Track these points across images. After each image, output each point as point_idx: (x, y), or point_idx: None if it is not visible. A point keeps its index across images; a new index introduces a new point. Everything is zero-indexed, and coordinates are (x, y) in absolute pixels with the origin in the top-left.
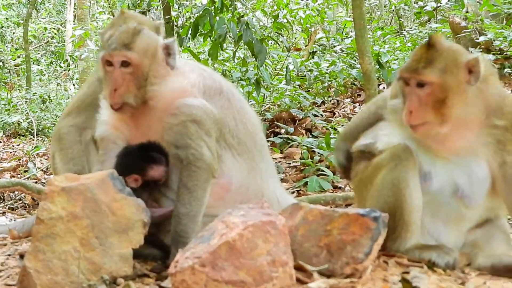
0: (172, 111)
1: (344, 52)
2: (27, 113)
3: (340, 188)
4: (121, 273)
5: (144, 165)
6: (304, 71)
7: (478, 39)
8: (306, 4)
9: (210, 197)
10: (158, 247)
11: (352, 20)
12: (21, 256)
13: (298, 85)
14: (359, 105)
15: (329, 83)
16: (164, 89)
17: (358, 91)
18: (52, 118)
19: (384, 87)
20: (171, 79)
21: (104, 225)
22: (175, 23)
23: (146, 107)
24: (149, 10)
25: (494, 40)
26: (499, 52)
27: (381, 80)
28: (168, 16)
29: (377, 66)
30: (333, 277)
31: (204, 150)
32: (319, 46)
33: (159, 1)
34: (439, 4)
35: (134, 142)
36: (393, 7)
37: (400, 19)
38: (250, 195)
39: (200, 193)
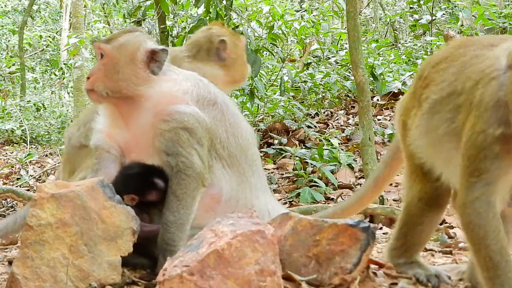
0: (163, 118)
1: (338, 64)
2: (21, 120)
3: (332, 199)
4: (110, 280)
5: (144, 189)
6: (298, 82)
7: None
8: (301, 16)
9: (200, 208)
10: (147, 255)
11: (347, 32)
12: (10, 263)
13: (292, 96)
14: (352, 116)
15: (323, 94)
16: (152, 92)
17: (352, 103)
18: (46, 126)
19: (378, 99)
20: (160, 84)
21: (93, 233)
22: (170, 33)
23: (138, 112)
24: (144, 20)
25: None
26: None
27: (375, 92)
28: (163, 26)
29: (371, 78)
30: (321, 287)
31: (195, 159)
32: (313, 57)
33: (154, 11)
34: (434, 18)
35: (127, 150)
36: (388, 20)
37: (395, 31)
38: (240, 208)
39: (189, 201)
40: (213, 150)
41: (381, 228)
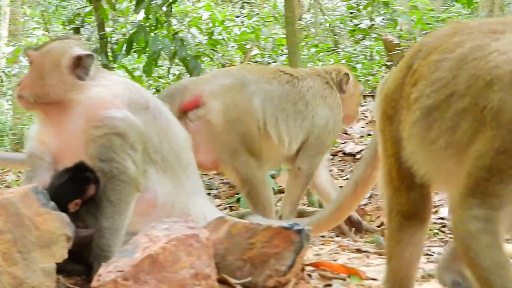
0: (95, 123)
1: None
2: None
3: None
4: (44, 287)
5: (84, 187)
6: None
7: None
8: (242, 21)
9: (135, 213)
10: (82, 262)
11: (286, 37)
12: None
13: None
14: None
15: None
16: (81, 97)
17: None
18: None
19: None
20: (90, 89)
21: (27, 240)
22: (109, 40)
23: (68, 118)
24: (83, 27)
25: None
26: None
27: None
28: (103, 33)
29: None
30: None
31: (128, 164)
32: (254, 63)
33: (93, 18)
34: (373, 23)
35: (60, 156)
36: (328, 25)
37: (335, 36)
38: (176, 212)
39: (124, 207)
40: (146, 154)
41: None
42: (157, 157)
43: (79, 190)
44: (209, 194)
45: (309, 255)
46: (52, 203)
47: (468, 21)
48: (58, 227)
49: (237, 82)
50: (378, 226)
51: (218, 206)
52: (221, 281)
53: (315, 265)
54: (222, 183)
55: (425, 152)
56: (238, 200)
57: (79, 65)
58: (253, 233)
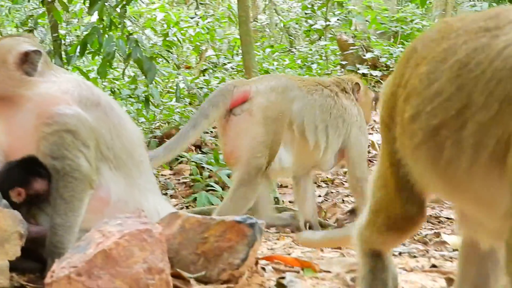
0: (45, 121)
1: (234, 70)
2: None
3: None
4: None
5: (29, 178)
6: (194, 89)
7: (365, 55)
8: (196, 22)
9: (89, 211)
10: (36, 259)
11: (239, 37)
12: None
13: (189, 102)
14: None
15: None
16: (30, 94)
17: None
18: None
19: None
20: (39, 85)
21: None
22: (63, 42)
23: (18, 115)
24: (36, 29)
25: (381, 57)
26: (385, 68)
27: None
28: (56, 34)
29: None
30: (210, 283)
31: (81, 161)
32: (209, 63)
33: (46, 19)
34: (328, 23)
35: (11, 154)
36: (283, 25)
37: (291, 37)
38: (129, 209)
39: (77, 204)
40: (99, 151)
41: None
42: (110, 154)
43: (22, 178)
44: (165, 194)
45: (263, 249)
46: (5, 201)
47: (451, 21)
48: (11, 224)
49: (281, 85)
50: (334, 223)
51: (175, 205)
52: (175, 275)
53: (269, 258)
54: (178, 183)
55: (440, 175)
56: (194, 199)
57: (27, 61)
58: (206, 228)
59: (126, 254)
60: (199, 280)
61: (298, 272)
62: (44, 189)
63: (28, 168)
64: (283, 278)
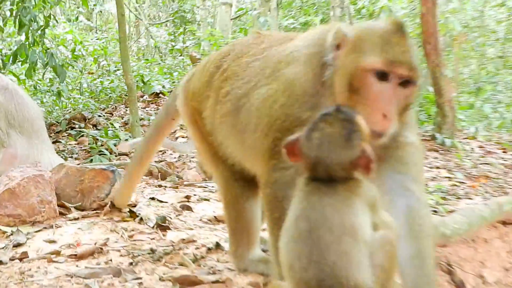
0: None
1: (121, 74)
2: None
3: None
4: None
5: None
6: (93, 87)
7: None
8: (95, 43)
9: (2, 163)
10: None
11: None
12: None
13: (89, 96)
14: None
15: (110, 94)
16: None
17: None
18: None
19: (146, 97)
20: None
21: None
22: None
23: None
24: None
25: None
26: None
27: (144, 92)
28: None
29: (142, 83)
30: (84, 210)
31: None
32: (104, 70)
33: None
34: (185, 45)
35: None
36: (153, 45)
37: (160, 53)
38: (30, 162)
39: None
40: (7, 121)
41: None
42: (15, 123)
43: None
44: (71, 157)
45: None
46: None
47: (263, 33)
48: None
49: None
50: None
51: (77, 164)
52: (60, 205)
53: None
54: (81, 150)
55: (236, 136)
56: (91, 160)
57: None
58: (83, 173)
59: (25, 191)
60: (77, 208)
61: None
62: None
63: None
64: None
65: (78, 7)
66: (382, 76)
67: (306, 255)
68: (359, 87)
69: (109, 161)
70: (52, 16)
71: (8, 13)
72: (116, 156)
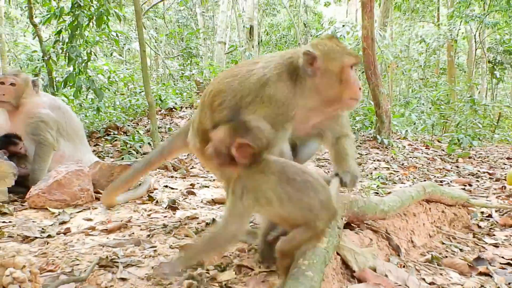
0: (30, 115)
1: (144, 94)
2: None
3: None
4: (1, 199)
5: (8, 145)
6: (123, 104)
7: None
8: (127, 69)
9: (54, 162)
10: (23, 186)
11: (141, 71)
12: None
13: (121, 111)
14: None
15: (136, 110)
16: (29, 102)
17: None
18: None
19: (163, 111)
20: (34, 99)
21: None
22: (54, 80)
23: (19, 112)
24: (40, 73)
25: None
26: None
27: (161, 107)
28: (50, 77)
29: (160, 101)
30: None
31: (48, 136)
32: (132, 92)
33: (46, 68)
34: (192, 72)
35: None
36: (168, 73)
37: (173, 79)
38: (74, 161)
39: (46, 158)
40: (58, 131)
41: None
42: (64, 132)
43: (6, 145)
44: (107, 156)
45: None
46: (5, 157)
47: (240, 64)
48: (8, 168)
49: None
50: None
51: (111, 162)
52: (96, 192)
53: None
54: (115, 151)
55: None
56: (122, 159)
57: (35, 85)
58: (113, 168)
59: (69, 182)
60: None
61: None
62: (18, 150)
63: (8, 140)
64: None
65: (112, 46)
66: (352, 67)
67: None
68: (344, 78)
69: (136, 159)
70: (92, 53)
71: (60, 51)
72: (141, 155)
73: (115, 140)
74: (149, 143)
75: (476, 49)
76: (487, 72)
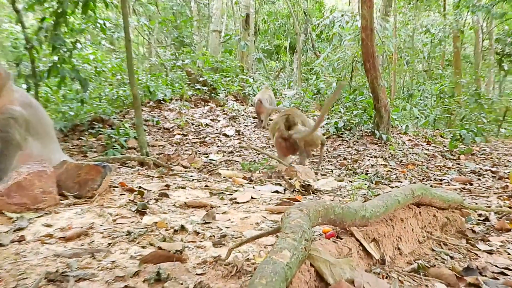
0: (2, 111)
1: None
2: None
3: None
4: None
5: None
6: (110, 95)
7: (199, 79)
8: (116, 58)
9: (20, 161)
10: None
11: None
12: None
13: (107, 103)
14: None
15: (125, 101)
16: (4, 97)
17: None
18: None
19: (152, 103)
20: (9, 94)
21: None
22: (37, 70)
23: None
24: (20, 63)
25: (207, 80)
26: (210, 86)
27: (150, 99)
28: (33, 65)
29: (149, 92)
30: (80, 198)
31: (16, 134)
32: (121, 82)
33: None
34: (184, 62)
35: None
36: (158, 62)
37: (165, 69)
38: (42, 160)
39: (11, 157)
40: (27, 129)
41: None
42: (33, 131)
43: None
44: (90, 151)
45: (117, 179)
46: None
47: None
48: None
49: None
50: (174, 166)
51: (94, 157)
52: (61, 194)
53: (120, 184)
54: (99, 145)
55: None
56: (106, 153)
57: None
58: (80, 168)
59: (30, 184)
60: (74, 196)
61: (135, 191)
62: None
63: None
64: (124, 194)
65: (101, 34)
66: None
67: None
68: None
69: (120, 154)
70: (78, 41)
71: (43, 39)
72: (126, 149)
73: (100, 134)
74: (135, 137)
75: (483, 40)
76: (494, 64)
